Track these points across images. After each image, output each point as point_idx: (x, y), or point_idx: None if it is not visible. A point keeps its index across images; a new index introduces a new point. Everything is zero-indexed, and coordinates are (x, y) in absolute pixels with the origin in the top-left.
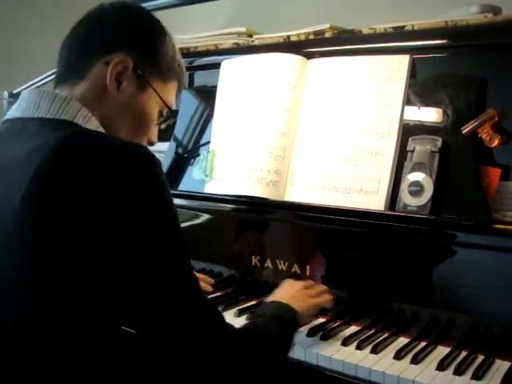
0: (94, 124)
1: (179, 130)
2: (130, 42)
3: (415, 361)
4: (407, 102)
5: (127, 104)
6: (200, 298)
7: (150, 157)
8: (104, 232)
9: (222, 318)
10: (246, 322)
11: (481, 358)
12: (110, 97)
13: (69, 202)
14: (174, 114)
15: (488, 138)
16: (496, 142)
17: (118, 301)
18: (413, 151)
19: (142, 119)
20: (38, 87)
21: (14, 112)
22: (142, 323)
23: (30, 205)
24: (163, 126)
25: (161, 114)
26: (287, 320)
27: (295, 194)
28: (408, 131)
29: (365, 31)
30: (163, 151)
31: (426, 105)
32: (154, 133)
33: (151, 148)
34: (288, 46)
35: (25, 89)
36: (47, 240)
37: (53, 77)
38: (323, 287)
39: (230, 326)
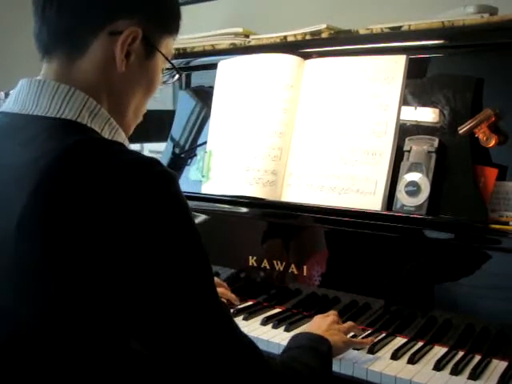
0: (101, 118)
1: (176, 131)
2: (137, 5)
3: (412, 361)
4: (404, 102)
5: (136, 76)
6: (233, 328)
7: (167, 174)
8: (121, 258)
9: (261, 353)
10: (283, 355)
11: (477, 358)
12: (117, 73)
13: (76, 225)
14: (179, 72)
15: (485, 138)
16: (493, 142)
17: (136, 330)
18: (409, 151)
19: (151, 85)
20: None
21: (11, 105)
22: (169, 363)
23: (30, 220)
24: (168, 84)
25: (161, 70)
26: (323, 351)
27: (292, 195)
28: (405, 131)
29: (361, 31)
30: (160, 151)
31: (423, 105)
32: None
33: (150, 149)
34: (285, 47)
35: None
36: (48, 259)
37: None
38: (352, 323)
39: (270, 362)
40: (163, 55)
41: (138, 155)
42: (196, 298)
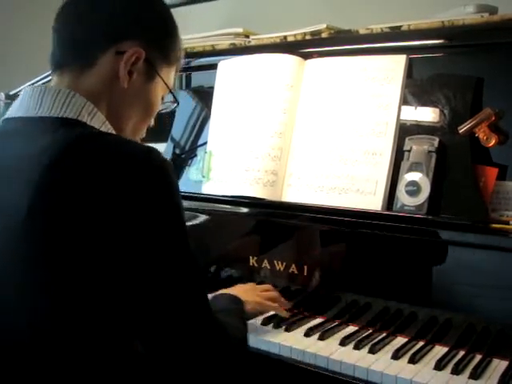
0: (99, 120)
1: (176, 131)
2: (142, 30)
3: (413, 360)
4: (404, 101)
5: (136, 95)
6: (205, 304)
7: (163, 162)
8: (114, 238)
9: (222, 328)
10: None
11: (478, 357)
12: (119, 88)
13: (79, 209)
14: (177, 100)
15: (485, 138)
16: (493, 142)
17: (125, 307)
18: (410, 151)
19: (149, 108)
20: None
21: (16, 111)
22: (144, 327)
23: (37, 211)
24: (165, 111)
25: (162, 98)
26: (242, 311)
27: (292, 195)
28: (405, 131)
29: (361, 31)
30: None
31: (423, 105)
32: (153, 117)
33: None
34: (285, 47)
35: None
36: (55, 246)
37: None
38: (272, 294)
39: (219, 327)
40: (162, 80)
41: (134, 145)
42: (174, 274)
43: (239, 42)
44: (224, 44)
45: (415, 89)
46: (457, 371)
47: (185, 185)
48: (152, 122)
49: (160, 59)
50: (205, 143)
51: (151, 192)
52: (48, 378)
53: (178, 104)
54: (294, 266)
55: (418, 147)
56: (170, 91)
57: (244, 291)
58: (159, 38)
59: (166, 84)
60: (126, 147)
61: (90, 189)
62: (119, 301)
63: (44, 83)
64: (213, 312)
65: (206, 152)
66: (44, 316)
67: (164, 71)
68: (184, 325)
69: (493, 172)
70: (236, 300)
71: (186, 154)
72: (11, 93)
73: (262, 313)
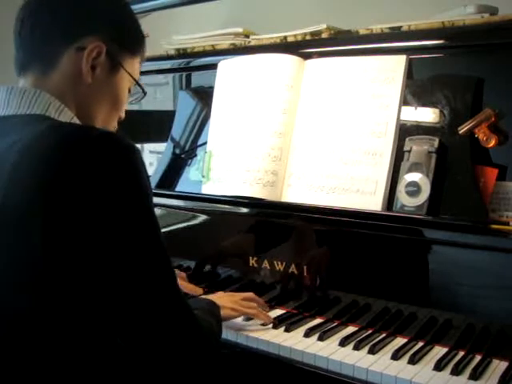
0: (67, 115)
1: (176, 131)
2: (100, 24)
3: (412, 361)
4: (404, 102)
5: (102, 89)
6: (175, 290)
7: (130, 146)
8: (83, 224)
9: (193, 314)
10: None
11: (478, 358)
12: (84, 84)
13: (51, 198)
14: (144, 91)
15: (485, 138)
16: (493, 142)
17: (102, 300)
18: (410, 151)
19: (117, 101)
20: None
21: None
22: (117, 316)
23: (10, 205)
24: (134, 102)
25: (129, 90)
26: (217, 313)
27: (292, 195)
28: (405, 131)
29: (361, 32)
30: (160, 152)
31: (423, 105)
32: (123, 110)
33: (151, 149)
34: (285, 47)
35: None
36: (32, 242)
37: None
38: (251, 304)
39: (197, 320)
40: (126, 71)
41: (103, 131)
42: (144, 261)
43: (239, 41)
44: (224, 44)
45: (415, 89)
46: (457, 372)
47: (184, 185)
48: (122, 115)
49: (122, 51)
50: (205, 143)
51: (115, 174)
52: (29, 375)
53: (146, 94)
54: (293, 266)
55: (418, 148)
56: (136, 82)
57: (218, 297)
58: (119, 30)
59: (130, 75)
60: (92, 131)
61: (58, 179)
62: (95, 293)
63: None
64: (185, 299)
65: (205, 152)
66: (23, 313)
67: (128, 63)
68: (157, 311)
69: (493, 172)
70: (211, 303)
71: (185, 154)
72: None
73: (236, 317)
